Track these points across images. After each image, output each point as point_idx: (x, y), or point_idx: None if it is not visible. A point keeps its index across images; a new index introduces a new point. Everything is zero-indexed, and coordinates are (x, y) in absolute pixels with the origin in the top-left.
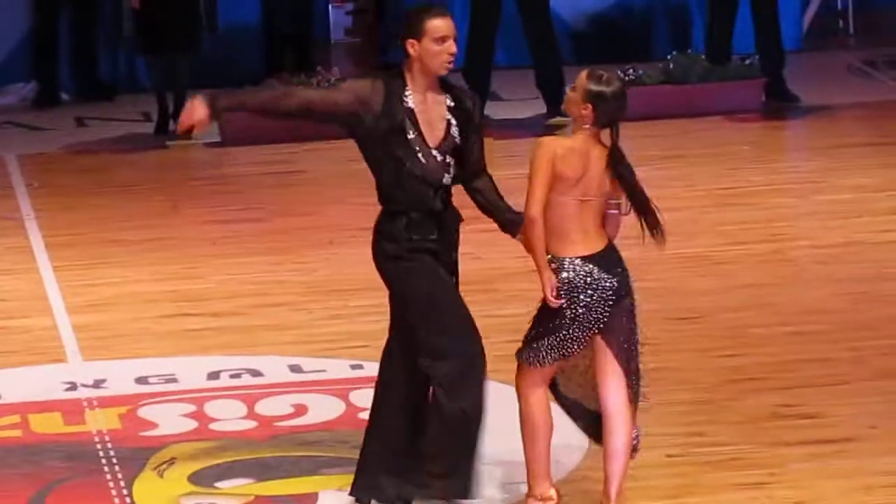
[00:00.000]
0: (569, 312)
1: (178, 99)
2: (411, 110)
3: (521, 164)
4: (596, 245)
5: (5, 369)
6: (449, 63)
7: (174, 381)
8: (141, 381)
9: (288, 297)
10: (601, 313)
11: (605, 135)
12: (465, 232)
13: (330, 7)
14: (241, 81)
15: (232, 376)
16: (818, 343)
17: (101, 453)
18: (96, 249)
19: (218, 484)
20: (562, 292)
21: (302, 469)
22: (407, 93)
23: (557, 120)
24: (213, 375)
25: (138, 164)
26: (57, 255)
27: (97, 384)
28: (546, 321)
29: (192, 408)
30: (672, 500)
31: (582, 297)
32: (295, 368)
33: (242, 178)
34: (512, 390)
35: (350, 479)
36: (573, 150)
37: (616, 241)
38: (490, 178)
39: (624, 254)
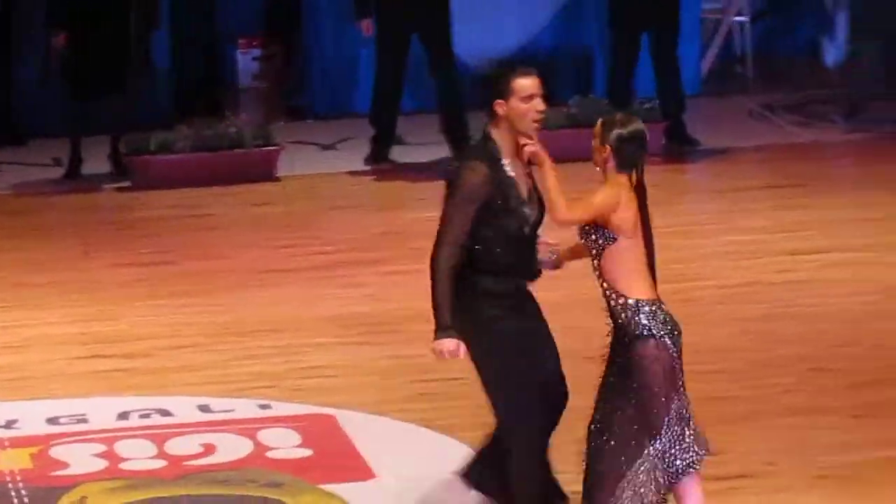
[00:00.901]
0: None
1: (114, 142)
2: (511, 178)
3: (428, 207)
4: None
5: None
6: (538, 121)
7: (85, 421)
8: (52, 421)
9: (198, 339)
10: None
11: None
12: (364, 274)
13: (238, 53)
14: (152, 124)
15: (142, 416)
16: (720, 382)
17: (12, 493)
18: (10, 292)
19: None
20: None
21: None
22: (504, 161)
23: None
24: (124, 416)
25: (51, 208)
26: None
27: (9, 425)
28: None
29: (102, 447)
30: None
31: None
32: (204, 408)
33: (153, 221)
34: (418, 428)
35: None
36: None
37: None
38: None
39: (540, 295)
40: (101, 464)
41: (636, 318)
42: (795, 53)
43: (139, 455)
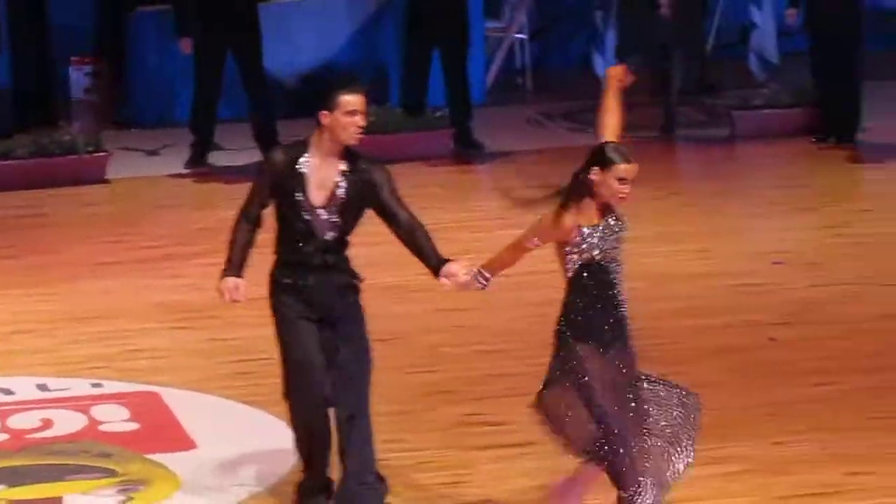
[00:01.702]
0: None
1: None
2: (302, 174)
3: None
4: None
5: None
6: (358, 134)
7: None
8: None
9: (36, 325)
10: None
11: None
12: (187, 266)
13: (71, 70)
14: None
15: None
16: (504, 360)
17: None
18: None
19: None
20: None
21: (49, 476)
22: (303, 157)
23: None
24: None
25: None
26: None
27: None
28: None
29: None
30: None
31: None
32: (42, 387)
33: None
34: (235, 404)
35: (94, 484)
36: None
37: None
38: (423, 228)
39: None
40: None
41: None
42: (569, 66)
43: None
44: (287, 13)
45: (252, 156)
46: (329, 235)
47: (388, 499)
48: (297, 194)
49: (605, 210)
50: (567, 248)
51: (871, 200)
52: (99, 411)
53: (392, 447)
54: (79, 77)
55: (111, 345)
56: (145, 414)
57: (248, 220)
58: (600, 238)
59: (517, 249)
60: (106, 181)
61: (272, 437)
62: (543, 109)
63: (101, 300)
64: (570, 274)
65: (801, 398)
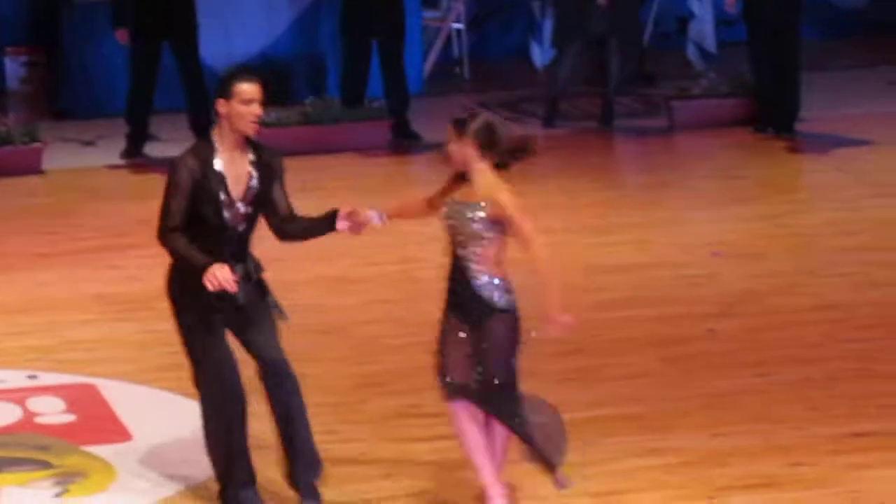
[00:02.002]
0: None
1: None
2: (221, 173)
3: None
4: None
5: None
6: (254, 123)
7: None
8: None
9: None
10: None
11: None
12: (125, 258)
13: (6, 60)
14: None
15: None
16: None
17: None
18: None
19: None
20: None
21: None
22: (216, 157)
23: None
24: None
25: None
26: None
27: None
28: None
29: None
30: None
31: None
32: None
33: None
34: (170, 395)
35: (30, 476)
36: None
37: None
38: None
39: (270, 275)
40: None
41: (501, 295)
42: (507, 56)
43: None
44: (225, 4)
45: (188, 146)
46: (241, 227)
47: (323, 490)
48: (220, 194)
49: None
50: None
51: (809, 191)
52: (35, 403)
53: (328, 438)
54: (14, 67)
55: (47, 336)
56: (81, 406)
57: (178, 230)
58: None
59: (431, 206)
60: (42, 172)
61: None
62: (481, 99)
63: (38, 292)
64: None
65: (739, 389)
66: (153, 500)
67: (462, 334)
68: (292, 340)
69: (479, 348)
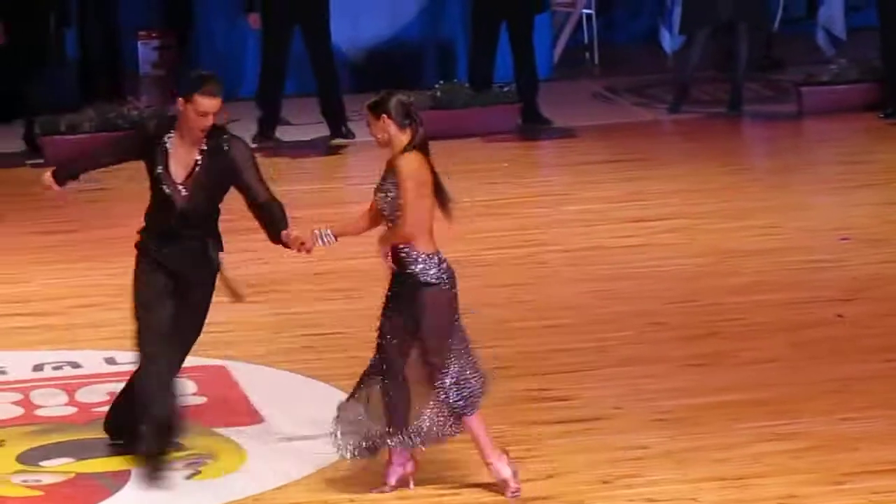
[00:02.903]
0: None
1: (29, 124)
2: (166, 151)
3: (310, 179)
4: None
5: None
6: (202, 131)
7: (3, 373)
8: None
9: (102, 298)
10: None
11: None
12: (254, 240)
13: (139, 44)
14: (62, 108)
15: (54, 368)
16: (567, 335)
17: None
18: None
19: (43, 463)
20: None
21: (116, 449)
22: (168, 136)
23: (338, 141)
24: (38, 368)
25: None
26: None
27: None
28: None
29: (19, 396)
30: (442, 473)
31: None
32: (110, 360)
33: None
34: (301, 377)
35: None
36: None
37: None
38: (280, 205)
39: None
40: (18, 411)
41: (427, 270)
42: (636, 41)
43: (52, 403)
44: None
45: (319, 131)
46: (184, 205)
47: (451, 473)
48: (158, 167)
49: None
50: None
51: None
52: None
53: None
54: (146, 51)
55: None
56: (212, 388)
57: (87, 156)
58: None
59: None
60: None
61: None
62: (610, 84)
63: None
64: None
65: (867, 374)
66: (283, 482)
67: (398, 320)
68: None
69: (415, 330)
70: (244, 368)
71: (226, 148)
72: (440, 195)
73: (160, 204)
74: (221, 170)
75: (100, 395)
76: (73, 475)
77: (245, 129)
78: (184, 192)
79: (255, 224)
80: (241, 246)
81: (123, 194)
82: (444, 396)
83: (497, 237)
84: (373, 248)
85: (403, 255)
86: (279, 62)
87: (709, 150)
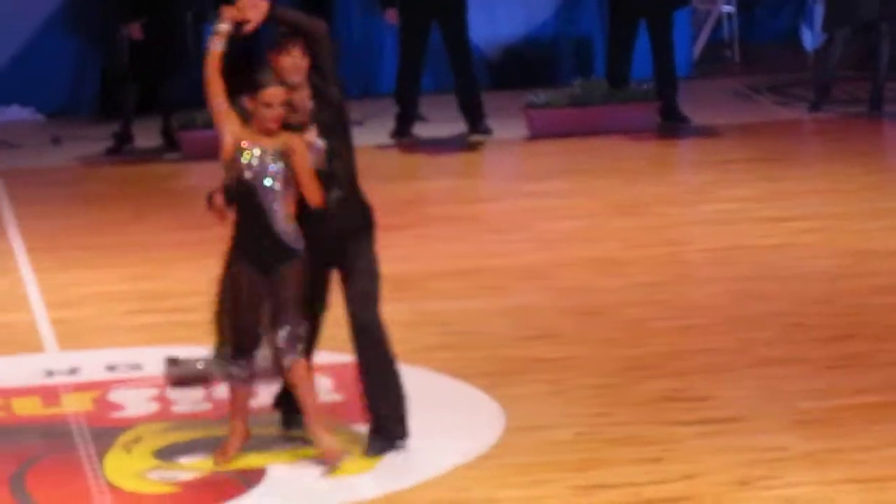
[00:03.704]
0: None
1: (166, 119)
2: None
3: (447, 176)
4: None
5: None
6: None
7: (139, 368)
8: (110, 368)
9: None
10: None
11: None
12: (396, 237)
13: None
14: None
15: None
16: (706, 335)
17: (75, 433)
18: (70, 253)
19: (179, 459)
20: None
21: (253, 446)
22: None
23: (477, 138)
24: None
25: (107, 178)
26: (36, 258)
27: (72, 371)
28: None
29: (155, 392)
30: (581, 473)
31: None
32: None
33: (200, 190)
34: (438, 375)
35: (299, 454)
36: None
37: None
38: None
39: (534, 258)
40: (154, 407)
41: (296, 239)
42: (776, 39)
43: (188, 399)
44: None
45: (457, 128)
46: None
47: (591, 475)
48: None
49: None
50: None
51: None
52: None
53: (597, 421)
54: None
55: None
56: (350, 385)
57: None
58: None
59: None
60: None
61: (476, 409)
62: (750, 83)
63: None
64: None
65: None
66: (420, 480)
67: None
68: (560, 321)
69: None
70: None
71: None
72: None
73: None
74: None
75: None
76: (209, 471)
77: (382, 126)
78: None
79: (397, 221)
80: (383, 243)
81: None
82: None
83: (635, 236)
84: (514, 248)
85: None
86: (417, 58)
87: (849, 151)
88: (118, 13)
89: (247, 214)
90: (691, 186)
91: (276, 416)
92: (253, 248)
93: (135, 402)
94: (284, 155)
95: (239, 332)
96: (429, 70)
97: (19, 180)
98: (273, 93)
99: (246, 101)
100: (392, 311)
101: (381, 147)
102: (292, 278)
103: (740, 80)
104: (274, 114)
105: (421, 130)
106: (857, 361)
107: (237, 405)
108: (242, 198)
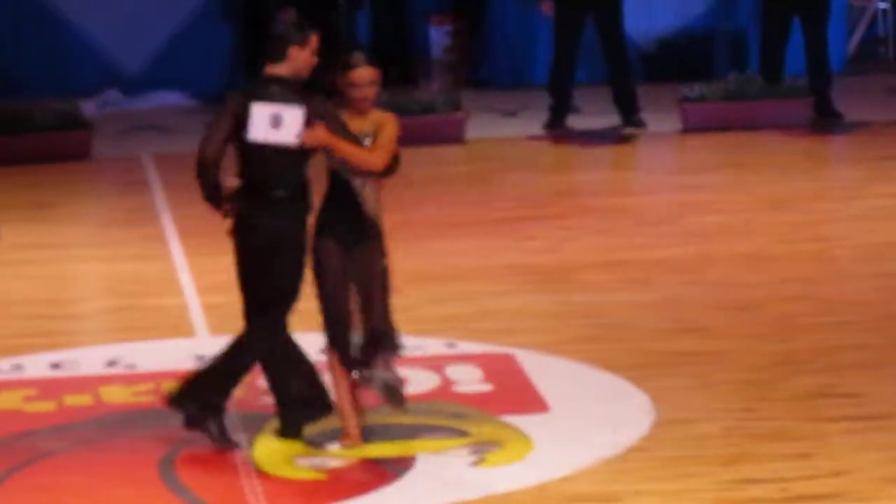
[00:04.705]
0: None
1: None
2: None
3: (600, 168)
4: None
5: (142, 342)
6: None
7: None
8: None
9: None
10: None
11: None
12: (543, 228)
13: (430, 29)
14: None
15: None
16: (857, 331)
17: (225, 417)
18: (223, 238)
19: (328, 446)
20: None
21: (401, 434)
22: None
23: (630, 130)
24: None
25: None
26: (188, 243)
27: None
28: None
29: None
30: (728, 468)
31: None
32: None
33: None
34: (586, 367)
35: (447, 444)
36: None
37: None
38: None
39: (683, 251)
40: None
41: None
42: None
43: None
44: None
45: (611, 120)
46: None
47: (739, 469)
48: None
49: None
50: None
51: None
52: (452, 371)
53: (745, 415)
54: (438, 36)
55: (464, 305)
56: (499, 375)
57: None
58: None
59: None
60: (463, 141)
61: (625, 402)
62: None
63: (454, 260)
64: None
65: None
66: (568, 472)
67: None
68: (709, 315)
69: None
70: (531, 357)
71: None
72: None
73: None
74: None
75: None
76: (357, 459)
77: (536, 118)
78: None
79: (547, 211)
80: (530, 233)
81: (415, 178)
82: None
83: (786, 231)
84: (664, 241)
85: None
86: (571, 50)
87: None
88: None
89: (338, 194)
90: (844, 182)
91: (423, 405)
92: (341, 227)
93: None
94: (375, 134)
95: (334, 318)
96: (583, 62)
97: (173, 165)
98: (361, 73)
99: (338, 81)
100: (538, 302)
101: (533, 138)
102: (378, 258)
103: (895, 76)
104: (362, 93)
105: (574, 122)
106: None
107: (341, 392)
108: (336, 177)
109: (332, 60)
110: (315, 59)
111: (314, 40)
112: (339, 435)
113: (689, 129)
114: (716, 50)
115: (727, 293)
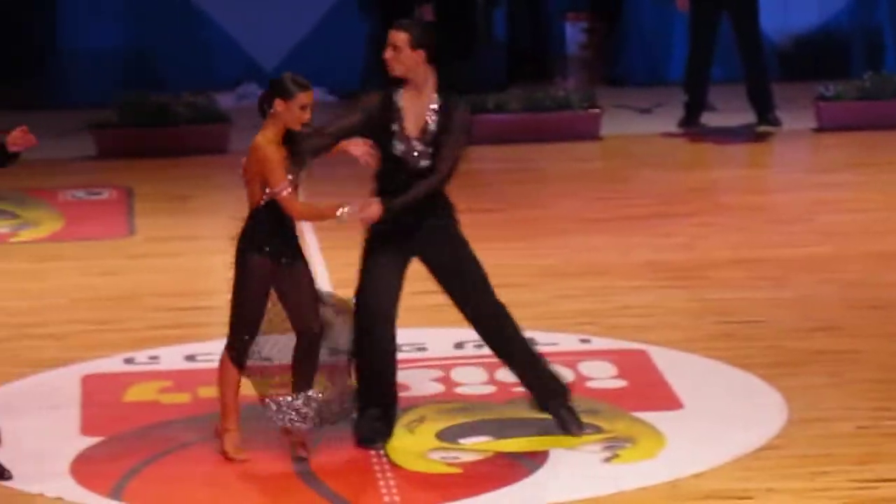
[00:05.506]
0: None
1: None
2: (399, 107)
3: (735, 166)
4: None
5: (276, 336)
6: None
7: (424, 349)
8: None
9: (523, 279)
10: None
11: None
12: (678, 225)
13: (567, 25)
14: (488, 87)
15: (476, 346)
16: None
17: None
18: (358, 233)
19: (461, 440)
20: None
21: (535, 430)
22: (399, 92)
23: (765, 128)
24: (459, 345)
25: None
26: (323, 237)
27: None
28: None
29: (439, 373)
30: (861, 467)
31: None
32: (530, 341)
33: (487, 173)
34: (721, 365)
35: (581, 439)
36: None
37: None
38: (434, 177)
39: (818, 250)
40: (439, 388)
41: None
42: None
43: (472, 381)
44: None
45: (746, 118)
46: (417, 164)
47: (872, 468)
48: (393, 125)
49: None
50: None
51: None
52: (586, 367)
53: (879, 415)
54: (574, 33)
55: (599, 301)
56: (632, 372)
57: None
58: None
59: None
60: (598, 138)
61: (759, 400)
62: None
63: (590, 256)
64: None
65: None
66: (701, 469)
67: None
68: (842, 314)
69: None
70: (664, 353)
71: (454, 108)
72: None
73: (389, 161)
74: (443, 127)
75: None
76: (491, 454)
77: (671, 114)
78: (419, 147)
79: (682, 209)
80: (665, 230)
81: (550, 175)
82: None
83: None
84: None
85: None
86: (707, 47)
87: None
88: None
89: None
90: None
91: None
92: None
93: (419, 382)
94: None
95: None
96: (719, 59)
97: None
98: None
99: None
100: (672, 299)
101: (668, 135)
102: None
103: None
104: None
105: (709, 120)
106: None
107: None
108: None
109: (472, 58)
110: None
111: None
112: (475, 429)
113: (824, 127)
114: (853, 48)
115: (861, 292)
